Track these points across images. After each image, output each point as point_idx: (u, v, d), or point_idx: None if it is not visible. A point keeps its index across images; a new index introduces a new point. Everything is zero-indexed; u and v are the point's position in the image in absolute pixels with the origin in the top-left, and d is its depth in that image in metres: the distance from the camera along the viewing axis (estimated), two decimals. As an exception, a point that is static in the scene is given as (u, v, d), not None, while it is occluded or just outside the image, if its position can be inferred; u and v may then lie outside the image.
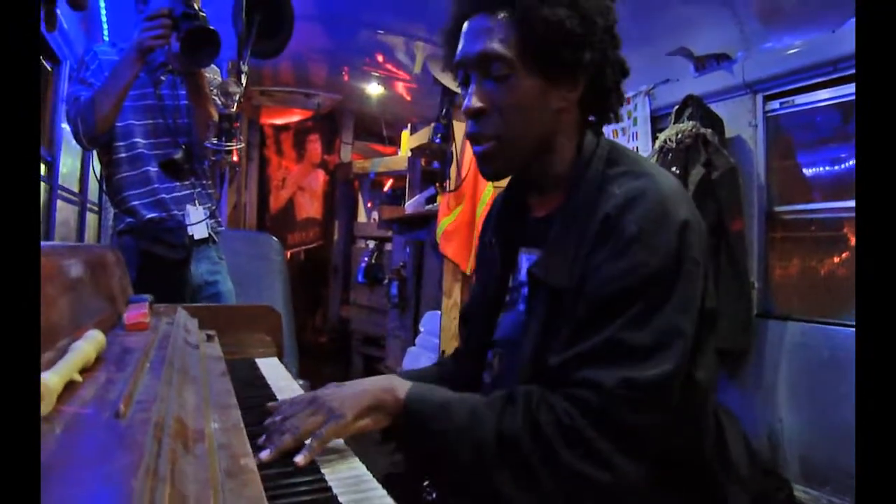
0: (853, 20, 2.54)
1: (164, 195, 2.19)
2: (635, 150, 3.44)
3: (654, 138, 3.28)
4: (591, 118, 1.16)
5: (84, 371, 0.81)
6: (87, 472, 0.49)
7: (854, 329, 2.59)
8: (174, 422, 0.67)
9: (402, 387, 0.99)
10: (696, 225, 1.00)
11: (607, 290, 0.95)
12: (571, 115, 1.12)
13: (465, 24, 1.12)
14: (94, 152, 2.40)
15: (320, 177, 6.56)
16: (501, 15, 1.07)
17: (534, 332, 1.05)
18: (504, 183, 1.27)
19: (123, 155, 2.15)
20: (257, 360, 1.65)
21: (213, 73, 2.26)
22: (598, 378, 0.91)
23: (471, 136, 1.12)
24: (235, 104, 1.89)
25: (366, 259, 5.59)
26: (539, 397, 0.93)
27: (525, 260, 1.21)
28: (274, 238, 3.97)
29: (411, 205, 4.68)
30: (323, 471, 0.89)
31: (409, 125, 5.21)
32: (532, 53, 1.06)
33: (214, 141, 1.89)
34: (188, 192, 2.23)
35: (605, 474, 0.89)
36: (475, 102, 1.09)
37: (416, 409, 0.97)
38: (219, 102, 1.89)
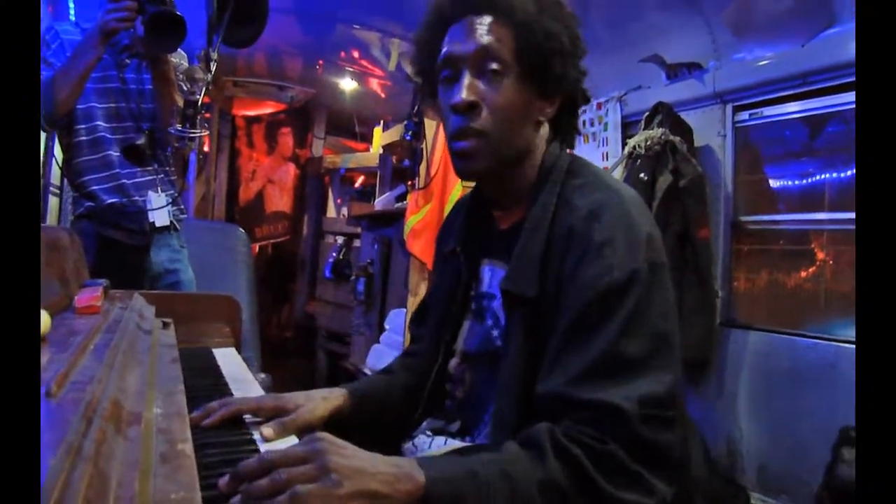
0: (825, 34, 2.57)
1: (125, 180, 2.15)
2: (605, 155, 3.47)
3: (624, 144, 3.30)
4: (559, 140, 1.18)
5: (23, 351, 0.79)
6: (8, 450, 0.48)
7: (815, 340, 2.63)
8: (109, 404, 0.66)
9: (417, 470, 0.82)
10: (657, 236, 1.02)
11: (585, 297, 0.95)
12: (544, 131, 1.15)
13: (455, 25, 1.12)
14: (56, 134, 2.35)
15: (291, 170, 6.52)
16: (491, 19, 1.09)
17: (516, 349, 1.04)
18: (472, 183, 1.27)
19: (84, 138, 2.12)
20: (214, 350, 1.63)
21: (179, 59, 2.23)
22: (612, 399, 0.89)
23: (457, 131, 1.10)
24: (202, 91, 1.86)
25: (334, 255, 5.58)
26: (562, 435, 0.89)
27: (488, 271, 1.22)
28: (241, 230, 3.92)
29: (381, 202, 4.66)
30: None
31: (381, 122, 5.20)
32: (527, 59, 1.08)
33: (178, 127, 1.86)
34: (150, 178, 2.20)
35: (649, 499, 0.88)
36: (468, 95, 1.08)
37: (444, 492, 0.82)
38: (184, 88, 1.87)
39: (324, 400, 1.17)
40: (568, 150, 1.19)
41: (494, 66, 1.07)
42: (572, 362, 0.94)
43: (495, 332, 1.16)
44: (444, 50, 1.12)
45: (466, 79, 1.09)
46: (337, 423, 1.16)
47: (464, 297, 1.24)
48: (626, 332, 0.92)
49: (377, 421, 1.26)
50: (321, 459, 0.76)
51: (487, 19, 1.09)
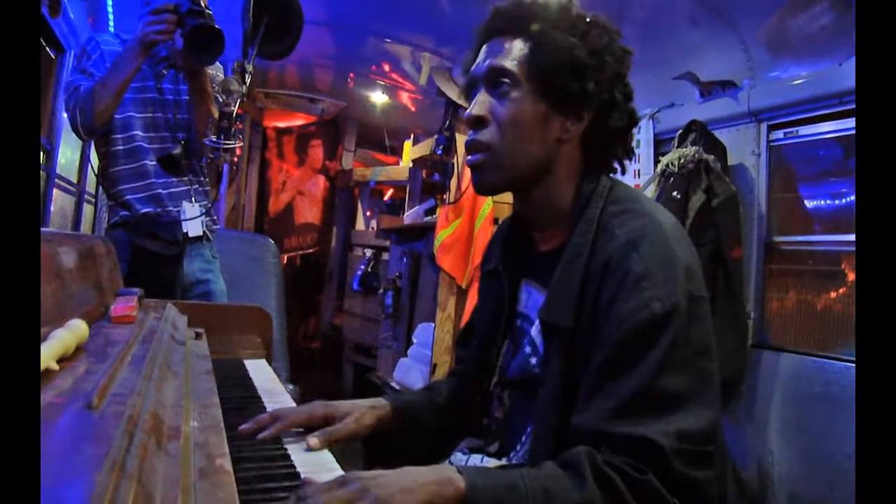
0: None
1: (160, 190, 2.17)
2: (637, 172, 3.44)
3: (657, 161, 3.27)
4: (595, 163, 1.17)
5: (63, 360, 0.80)
6: (52, 463, 0.47)
7: (849, 364, 2.58)
8: (149, 417, 0.65)
9: (456, 476, 0.85)
10: (697, 268, 1.02)
11: (623, 330, 0.94)
12: (573, 150, 1.15)
13: (483, 47, 1.17)
14: (93, 143, 2.38)
15: (320, 182, 6.55)
16: (518, 40, 1.12)
17: (554, 378, 1.04)
18: (505, 198, 1.29)
19: (121, 147, 2.14)
20: (245, 361, 1.65)
21: (215, 70, 2.25)
22: (649, 434, 0.88)
23: (467, 145, 1.15)
24: (237, 103, 1.88)
25: (362, 267, 5.58)
26: (602, 461, 0.88)
27: (526, 292, 1.23)
28: (270, 240, 3.93)
29: (410, 215, 4.67)
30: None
31: (411, 136, 5.22)
32: (538, 75, 1.09)
33: (213, 138, 1.88)
34: (185, 188, 2.22)
35: None
36: (476, 111, 1.12)
37: (484, 499, 0.84)
38: (220, 100, 1.89)
39: (370, 409, 1.19)
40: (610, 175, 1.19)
41: (503, 82, 1.11)
42: (609, 397, 0.93)
43: (533, 360, 1.15)
44: (470, 71, 1.18)
45: (479, 95, 1.14)
46: (380, 435, 1.19)
47: (508, 319, 1.25)
48: (664, 368, 0.91)
49: (419, 435, 1.28)
50: (364, 491, 0.78)
51: (506, 39, 1.13)
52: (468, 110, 1.14)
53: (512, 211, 1.32)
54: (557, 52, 1.08)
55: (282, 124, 6.25)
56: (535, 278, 1.21)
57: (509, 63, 1.10)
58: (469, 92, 1.18)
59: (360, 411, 1.16)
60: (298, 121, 6.24)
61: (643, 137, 3.47)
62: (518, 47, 1.11)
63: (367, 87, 5.26)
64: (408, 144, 5.28)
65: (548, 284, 1.09)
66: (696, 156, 2.94)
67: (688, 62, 3.19)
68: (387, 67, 4.73)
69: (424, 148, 4.40)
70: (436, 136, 3.90)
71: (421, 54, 4.28)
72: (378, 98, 5.40)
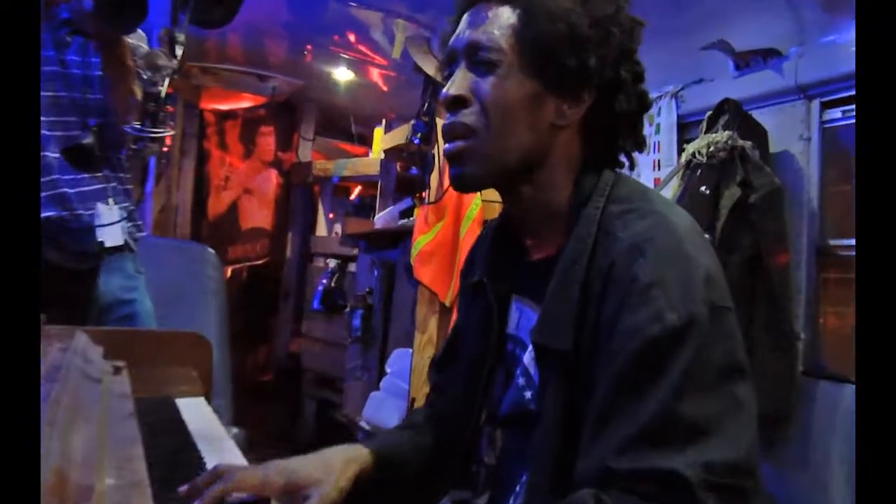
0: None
1: (66, 189, 2.14)
2: (656, 164, 3.46)
3: (681, 150, 3.29)
4: (597, 154, 1.20)
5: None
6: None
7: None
8: (51, 475, 0.64)
9: None
10: (719, 275, 1.02)
11: (631, 347, 0.95)
12: (571, 138, 1.17)
13: (464, 17, 1.19)
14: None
15: (272, 178, 6.54)
16: (505, 7, 1.14)
17: (552, 412, 1.05)
18: (496, 198, 1.29)
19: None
20: (178, 401, 1.64)
21: (137, 40, 2.22)
22: (671, 465, 0.88)
23: (444, 130, 1.17)
24: (165, 81, 1.86)
25: (324, 282, 5.58)
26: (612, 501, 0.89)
27: (517, 310, 1.24)
28: (210, 250, 3.93)
29: (382, 218, 4.67)
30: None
31: (383, 121, 5.22)
32: (529, 48, 1.11)
33: (137, 125, 1.86)
34: (99, 186, 2.19)
35: None
36: (455, 90, 1.14)
37: None
38: (144, 77, 1.87)
39: (345, 465, 1.17)
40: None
41: (487, 56, 1.12)
42: (619, 429, 0.93)
43: (528, 394, 1.16)
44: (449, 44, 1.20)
45: (458, 72, 1.16)
46: (359, 492, 1.18)
47: (497, 343, 1.26)
48: (683, 391, 0.92)
49: (404, 488, 1.29)
50: None
51: (491, 6, 1.15)
52: (445, 89, 1.15)
53: (500, 214, 1.33)
54: (552, 21, 1.09)
55: (223, 107, 6.22)
56: (527, 293, 1.22)
57: (495, 34, 1.12)
58: (447, 69, 1.20)
59: (333, 473, 1.13)
60: (244, 102, 6.22)
61: (664, 121, 3.49)
62: (505, 16, 1.13)
63: (329, 62, 5.26)
64: (379, 132, 5.28)
65: (542, 299, 1.10)
66: (730, 142, 2.95)
67: (719, 27, 3.20)
68: (352, 37, 4.74)
69: (399, 136, 4.40)
70: (413, 122, 3.91)
71: (394, 21, 4.28)
72: (342, 75, 5.40)
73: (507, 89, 1.11)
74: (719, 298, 0.99)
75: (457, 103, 1.14)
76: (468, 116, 1.13)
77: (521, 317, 1.22)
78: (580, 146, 1.18)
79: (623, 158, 1.23)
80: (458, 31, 1.18)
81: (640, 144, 1.22)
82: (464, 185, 1.19)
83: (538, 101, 1.12)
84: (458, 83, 1.14)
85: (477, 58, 1.13)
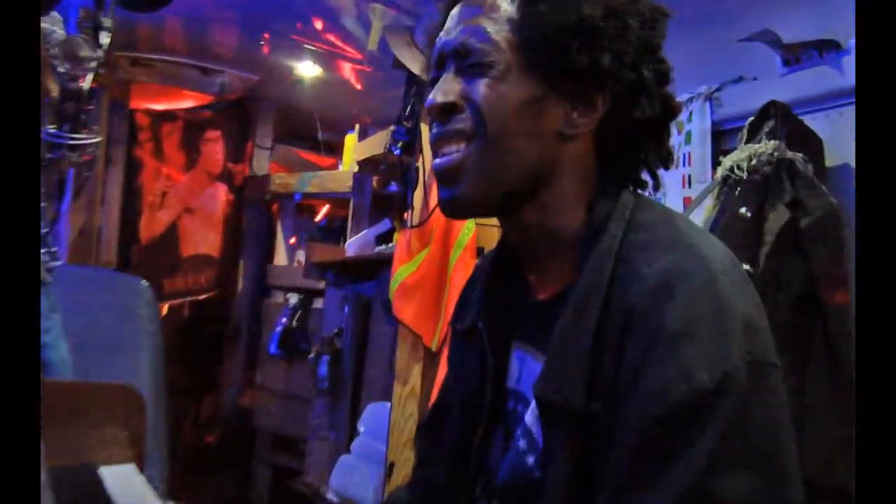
0: None
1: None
2: (686, 179, 3.46)
3: (717, 163, 3.29)
4: (614, 171, 1.21)
5: None
6: None
7: None
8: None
9: None
10: (762, 322, 1.03)
11: (656, 411, 0.95)
12: (582, 151, 1.18)
13: (455, 9, 1.22)
14: None
15: (220, 194, 6.54)
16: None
17: (559, 481, 1.05)
18: (494, 220, 1.30)
19: None
20: (102, 469, 1.63)
21: (52, 24, 2.21)
22: None
23: (432, 142, 1.17)
24: (88, 76, 1.86)
25: (283, 321, 5.60)
26: None
27: (518, 359, 1.25)
28: (142, 282, 3.90)
29: (355, 244, 4.69)
30: None
31: (356, 127, 5.24)
32: (531, 45, 1.13)
33: (51, 130, 1.85)
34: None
35: None
36: (442, 96, 1.15)
37: None
38: (60, 70, 1.86)
39: None
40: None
41: (480, 54, 1.14)
42: (639, 499, 0.94)
43: (530, 459, 1.15)
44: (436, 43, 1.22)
45: (447, 76, 1.18)
46: None
47: (493, 399, 1.26)
48: (715, 464, 0.92)
49: None
50: None
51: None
52: (431, 95, 1.16)
53: (497, 245, 1.33)
54: (557, 12, 1.10)
55: (160, 106, 6.21)
56: (530, 340, 1.22)
57: (490, 29, 1.13)
58: (434, 72, 1.21)
59: None
60: (186, 102, 6.23)
61: (696, 128, 3.50)
62: (502, 6, 1.14)
63: (291, 54, 5.28)
64: (351, 139, 5.30)
65: (547, 348, 1.10)
66: (776, 154, 2.96)
67: (764, 14, 3.22)
68: (319, 25, 4.75)
69: (375, 144, 4.42)
70: (392, 128, 3.92)
71: (370, 6, 4.30)
72: (306, 70, 5.42)
73: (504, 92, 1.12)
74: (761, 352, 0.98)
75: (446, 111, 1.15)
76: (460, 123, 1.14)
77: (524, 368, 1.23)
78: (593, 161, 1.18)
79: (646, 176, 1.24)
80: (446, 29, 1.19)
81: (666, 159, 1.23)
82: (457, 209, 1.19)
83: (542, 106, 1.13)
84: (447, 88, 1.15)
85: (470, 59, 1.14)
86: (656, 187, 1.26)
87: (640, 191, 1.23)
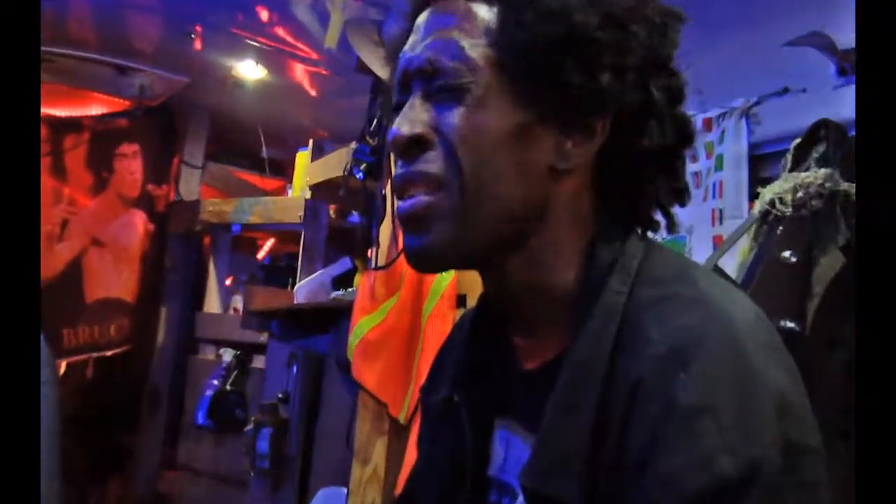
0: None
1: None
2: (717, 214, 3.47)
3: (754, 195, 3.31)
4: (617, 211, 1.21)
5: None
6: None
7: None
8: None
9: None
10: (798, 398, 1.02)
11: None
12: (578, 188, 1.18)
13: (421, 17, 1.20)
14: None
15: (138, 224, 6.50)
16: (480, 5, 1.15)
17: None
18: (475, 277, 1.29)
19: None
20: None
21: None
22: None
23: (396, 184, 1.17)
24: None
25: (214, 383, 5.55)
26: None
27: (502, 440, 1.24)
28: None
29: (306, 287, 4.67)
30: None
31: (310, 143, 5.20)
32: (512, 60, 1.11)
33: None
34: None
35: None
36: (408, 128, 1.13)
37: None
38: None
39: None
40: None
41: (453, 74, 1.12)
42: None
43: None
44: (399, 62, 1.20)
45: (413, 101, 1.16)
46: None
47: (472, 489, 1.25)
48: None
49: None
50: None
51: (461, 7, 1.15)
52: (395, 125, 1.14)
53: (477, 302, 1.33)
54: (545, 21, 1.08)
55: (61, 112, 6.17)
56: (517, 417, 1.22)
57: (464, 43, 1.12)
58: (398, 95, 1.20)
59: None
60: (94, 107, 6.18)
61: (729, 151, 3.50)
62: (479, 14, 1.13)
63: (229, 51, 5.30)
64: (302, 158, 5.30)
65: (539, 427, 1.09)
66: (829, 185, 2.98)
67: (813, 14, 3.24)
68: (264, 15, 4.76)
69: (333, 166, 4.40)
70: (354, 146, 3.89)
71: (328, -5, 4.33)
72: (248, 71, 5.43)
73: (482, 122, 1.10)
74: (797, 434, 0.98)
75: (412, 146, 1.13)
76: (430, 164, 1.12)
77: (509, 452, 1.22)
78: (592, 199, 1.19)
79: (657, 215, 1.24)
80: (411, 42, 1.18)
81: (681, 194, 1.23)
82: (425, 262, 1.19)
83: (529, 136, 1.12)
84: (413, 116, 1.13)
85: (438, 83, 1.13)
86: (670, 228, 1.25)
87: (650, 233, 1.25)
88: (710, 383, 0.96)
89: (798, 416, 1.00)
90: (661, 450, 0.96)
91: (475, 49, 1.11)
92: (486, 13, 1.13)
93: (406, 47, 1.19)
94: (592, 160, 1.15)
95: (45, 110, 6.08)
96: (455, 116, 1.11)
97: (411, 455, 3.32)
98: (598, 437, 1.02)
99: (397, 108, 1.18)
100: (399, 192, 1.16)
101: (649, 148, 1.14)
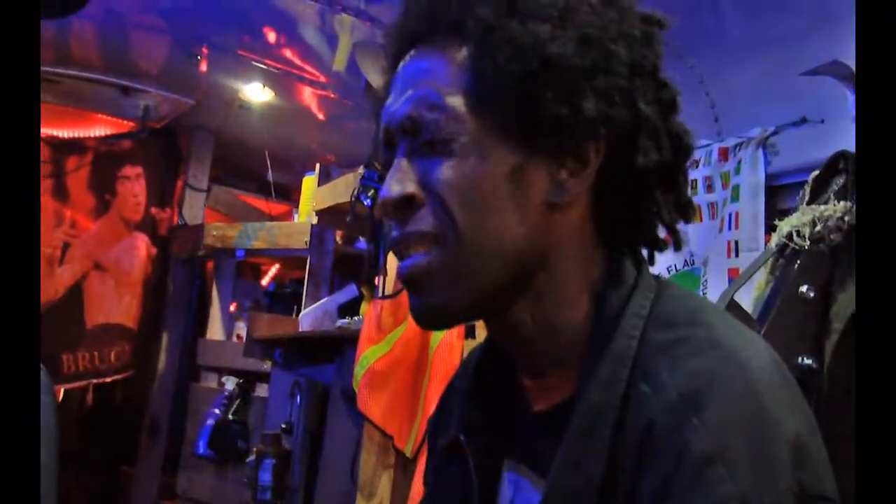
0: None
1: None
2: (732, 247, 3.45)
3: (772, 227, 3.30)
4: (622, 238, 1.20)
5: None
6: None
7: None
8: None
9: None
10: (813, 444, 1.01)
11: None
12: (578, 219, 1.17)
13: (399, 68, 1.20)
14: None
15: (140, 248, 6.51)
16: (451, 48, 1.14)
17: None
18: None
19: None
20: None
21: None
22: None
23: (392, 246, 1.17)
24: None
25: (216, 412, 5.56)
26: None
27: (510, 484, 1.24)
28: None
29: (311, 315, 4.67)
30: None
31: (316, 167, 5.21)
32: (491, 102, 1.10)
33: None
34: None
35: None
36: (397, 188, 1.12)
37: None
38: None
39: None
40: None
41: (436, 127, 1.11)
42: None
43: None
44: (382, 116, 1.20)
45: (399, 163, 1.15)
46: None
47: None
48: None
49: None
50: None
51: (433, 50, 1.16)
52: (384, 187, 1.14)
53: (484, 341, 1.33)
54: (519, 58, 1.07)
55: (64, 133, 6.19)
56: (526, 460, 1.21)
57: (444, 90, 1.11)
58: (384, 152, 1.20)
59: None
60: (97, 128, 6.20)
61: (746, 182, 3.48)
62: (454, 60, 1.13)
63: (235, 73, 5.30)
64: (309, 183, 5.32)
65: (547, 472, 1.08)
66: (848, 218, 2.97)
67: (833, 41, 3.24)
68: (272, 37, 4.77)
69: (340, 191, 4.43)
70: (362, 171, 3.90)
71: (336, 17, 4.32)
72: (255, 94, 5.43)
73: (472, 172, 1.10)
74: (813, 481, 0.97)
75: (403, 206, 1.12)
76: (423, 221, 1.11)
77: (518, 495, 1.22)
78: (595, 231, 1.18)
79: (663, 233, 1.23)
80: (392, 96, 1.18)
81: (685, 208, 1.21)
82: (432, 321, 1.19)
83: (521, 176, 1.11)
84: (401, 176, 1.13)
85: (421, 139, 1.12)
86: (676, 246, 1.24)
87: (658, 252, 1.24)
88: (723, 429, 0.96)
89: (813, 462, 0.99)
90: (672, 497, 0.95)
91: (453, 97, 1.10)
92: (460, 56, 1.12)
93: (388, 101, 1.18)
94: (590, 187, 1.14)
95: (48, 131, 6.11)
96: (442, 170, 1.10)
97: (418, 489, 3.31)
98: (610, 482, 1.02)
99: (386, 166, 1.18)
100: (397, 254, 1.16)
101: (646, 165, 1.13)
